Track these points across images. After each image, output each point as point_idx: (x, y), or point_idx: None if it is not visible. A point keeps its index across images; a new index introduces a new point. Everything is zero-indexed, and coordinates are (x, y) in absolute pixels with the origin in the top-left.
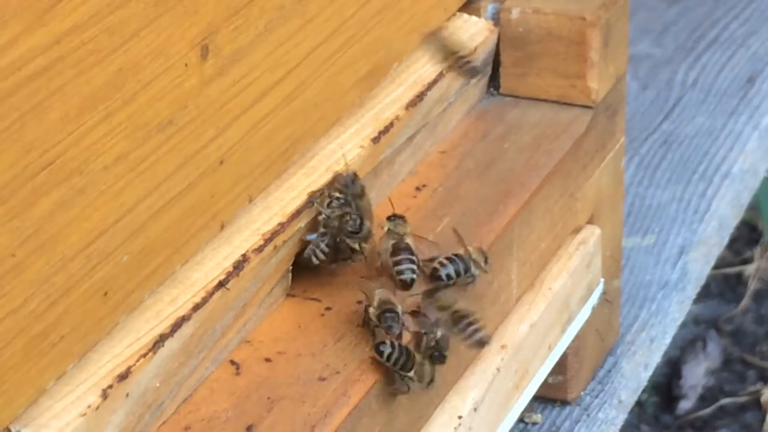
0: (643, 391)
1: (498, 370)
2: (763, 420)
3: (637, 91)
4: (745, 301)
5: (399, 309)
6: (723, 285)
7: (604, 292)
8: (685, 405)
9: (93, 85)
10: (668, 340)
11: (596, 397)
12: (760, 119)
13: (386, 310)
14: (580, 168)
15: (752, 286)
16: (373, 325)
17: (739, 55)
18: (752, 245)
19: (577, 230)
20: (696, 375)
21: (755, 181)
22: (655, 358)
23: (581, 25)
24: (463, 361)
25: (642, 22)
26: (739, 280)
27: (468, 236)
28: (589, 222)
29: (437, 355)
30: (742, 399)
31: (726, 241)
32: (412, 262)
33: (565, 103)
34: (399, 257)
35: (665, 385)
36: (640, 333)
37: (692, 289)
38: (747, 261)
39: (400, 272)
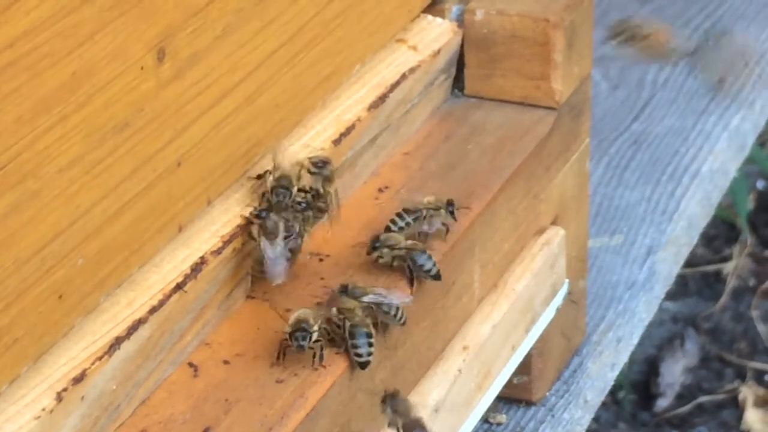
0: (621, 388)
1: (459, 371)
2: (740, 418)
3: (608, 91)
4: (724, 299)
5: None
6: (701, 283)
7: (569, 293)
8: (662, 403)
9: (47, 88)
10: (635, 340)
11: (561, 397)
12: (730, 119)
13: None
14: (544, 169)
15: (730, 284)
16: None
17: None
18: (731, 243)
19: (541, 231)
20: (674, 373)
21: (725, 181)
22: (622, 358)
23: (545, 27)
24: (425, 361)
25: (614, 23)
26: (718, 278)
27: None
28: (554, 223)
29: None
30: (720, 397)
31: (695, 240)
32: None
33: (529, 105)
34: None
35: (643, 382)
36: (607, 333)
37: (660, 289)
38: (725, 259)
39: None
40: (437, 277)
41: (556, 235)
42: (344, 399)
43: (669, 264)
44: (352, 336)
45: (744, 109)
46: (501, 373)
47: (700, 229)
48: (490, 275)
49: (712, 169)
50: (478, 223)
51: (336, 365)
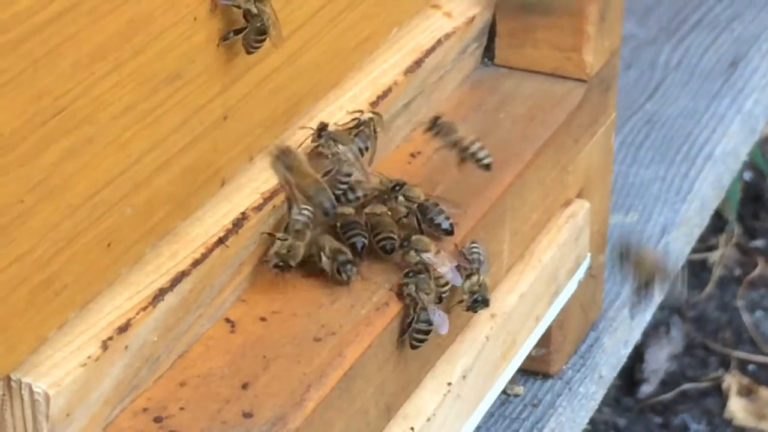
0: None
1: (487, 338)
2: (723, 406)
3: (621, 71)
4: (709, 288)
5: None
6: (687, 271)
7: (589, 267)
8: (646, 389)
9: (104, 34)
10: (648, 318)
11: (578, 371)
12: (743, 102)
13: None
14: (573, 141)
15: (716, 273)
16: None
17: (722, 38)
18: (717, 233)
19: (568, 203)
20: (658, 359)
21: (737, 164)
22: (635, 336)
23: None
24: (454, 329)
25: (627, 3)
26: (704, 266)
27: (462, 204)
28: (579, 196)
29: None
30: (704, 384)
31: (707, 222)
32: None
33: (559, 76)
34: None
35: (627, 368)
36: (622, 310)
37: (673, 269)
38: (712, 248)
39: None
40: (449, 232)
41: (582, 208)
42: (380, 360)
43: (681, 244)
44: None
45: (757, 93)
46: (525, 343)
47: (711, 211)
48: (518, 245)
49: (724, 152)
50: (510, 192)
51: (373, 325)
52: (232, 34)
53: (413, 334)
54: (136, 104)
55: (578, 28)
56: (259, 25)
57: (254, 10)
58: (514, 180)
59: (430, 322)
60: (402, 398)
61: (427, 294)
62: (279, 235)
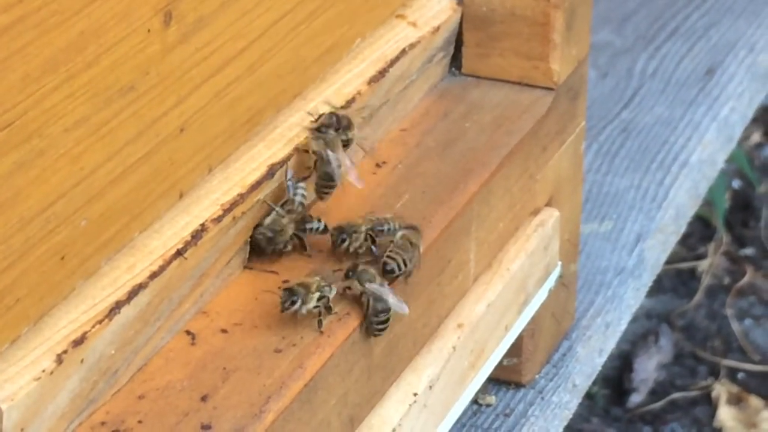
0: (594, 383)
1: (454, 348)
2: (713, 415)
3: (597, 79)
4: (698, 297)
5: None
6: (676, 280)
7: (560, 276)
8: (635, 398)
9: (55, 46)
10: (623, 326)
11: (551, 380)
12: (719, 110)
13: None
14: (541, 149)
15: (705, 281)
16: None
17: (699, 46)
18: (706, 241)
19: (536, 212)
20: (647, 369)
21: (713, 172)
22: (610, 344)
23: (545, 6)
24: (420, 338)
25: (603, 11)
26: (692, 275)
27: (428, 213)
28: (548, 204)
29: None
30: (693, 393)
31: (683, 230)
32: None
33: (526, 85)
34: None
35: (616, 378)
36: (596, 318)
37: (648, 277)
38: (700, 257)
39: None
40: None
41: (551, 216)
42: (342, 371)
43: (657, 252)
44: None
45: (733, 100)
46: (494, 352)
47: (688, 219)
48: (485, 254)
49: (700, 159)
50: (476, 200)
51: (334, 336)
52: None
53: (373, 324)
54: (89, 117)
55: (544, 37)
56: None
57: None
58: (480, 189)
59: (387, 309)
60: (366, 409)
61: (372, 282)
62: (278, 209)
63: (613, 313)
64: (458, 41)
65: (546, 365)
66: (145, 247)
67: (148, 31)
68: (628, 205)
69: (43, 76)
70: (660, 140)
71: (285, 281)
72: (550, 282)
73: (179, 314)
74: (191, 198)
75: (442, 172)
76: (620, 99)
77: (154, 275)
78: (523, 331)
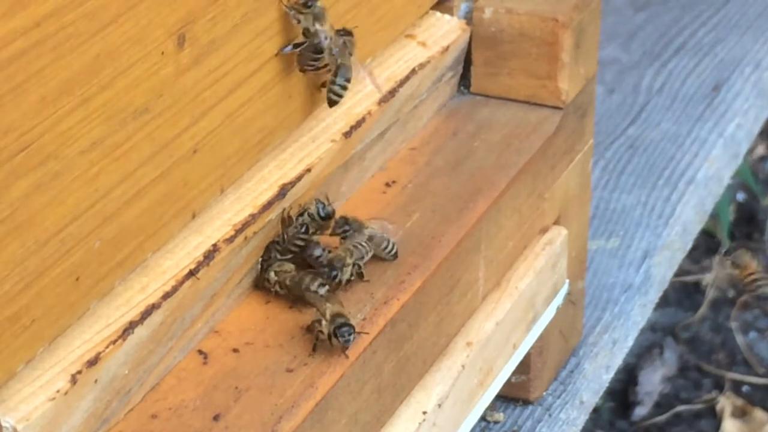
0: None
1: (463, 366)
2: (717, 428)
3: (604, 95)
4: (703, 310)
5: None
6: (681, 293)
7: (568, 293)
8: (640, 411)
9: (71, 69)
10: (630, 343)
11: (558, 397)
12: (726, 127)
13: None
14: (549, 168)
15: (710, 295)
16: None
17: (705, 62)
18: (711, 254)
19: (545, 230)
20: (652, 382)
21: (719, 188)
22: (617, 361)
23: (553, 26)
24: (429, 357)
25: (609, 27)
26: (697, 288)
27: (437, 233)
28: (556, 223)
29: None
30: (698, 406)
31: (689, 246)
32: None
33: (535, 104)
34: None
35: (621, 391)
36: (603, 335)
37: (655, 293)
38: (705, 270)
39: None
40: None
41: (559, 234)
42: (353, 390)
43: (664, 268)
44: None
45: (739, 117)
46: (502, 370)
47: (694, 235)
48: (494, 273)
49: (707, 176)
50: (485, 219)
51: (345, 356)
52: (290, 47)
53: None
54: (104, 139)
55: (552, 56)
56: (316, 42)
57: (312, 29)
58: (489, 208)
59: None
60: (377, 427)
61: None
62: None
63: (620, 330)
64: (467, 61)
65: (554, 382)
66: (158, 267)
67: (162, 53)
68: (635, 222)
69: (59, 98)
70: (666, 156)
71: (296, 300)
72: (558, 300)
73: (191, 334)
74: (203, 218)
75: (451, 191)
76: (627, 115)
77: (166, 295)
78: (532, 348)
